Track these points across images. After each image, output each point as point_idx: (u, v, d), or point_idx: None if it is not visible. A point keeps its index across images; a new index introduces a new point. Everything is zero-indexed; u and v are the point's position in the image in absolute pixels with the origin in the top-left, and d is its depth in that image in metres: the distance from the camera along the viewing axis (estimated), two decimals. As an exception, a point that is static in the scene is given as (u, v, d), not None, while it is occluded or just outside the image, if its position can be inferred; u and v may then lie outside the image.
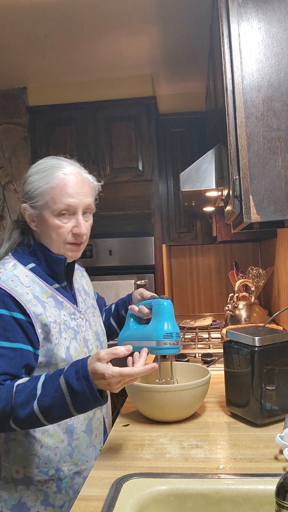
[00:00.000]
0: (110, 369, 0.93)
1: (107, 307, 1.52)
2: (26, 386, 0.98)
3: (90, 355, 0.99)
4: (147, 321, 1.33)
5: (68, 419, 1.10)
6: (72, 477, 1.13)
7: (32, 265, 1.15)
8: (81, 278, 1.36)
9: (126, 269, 2.91)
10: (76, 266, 1.38)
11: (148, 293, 1.35)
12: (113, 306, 1.50)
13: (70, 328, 1.16)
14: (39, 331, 1.08)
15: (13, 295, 1.06)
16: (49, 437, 1.10)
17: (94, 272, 2.93)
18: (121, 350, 0.98)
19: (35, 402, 0.95)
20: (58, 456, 1.11)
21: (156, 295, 1.31)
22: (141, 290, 1.39)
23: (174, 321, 1.20)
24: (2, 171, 3.06)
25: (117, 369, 0.94)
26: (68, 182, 1.13)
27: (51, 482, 1.10)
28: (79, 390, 0.94)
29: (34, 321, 1.07)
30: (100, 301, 1.48)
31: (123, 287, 2.80)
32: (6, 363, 1.02)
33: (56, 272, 1.17)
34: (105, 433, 1.24)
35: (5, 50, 2.59)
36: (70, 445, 1.13)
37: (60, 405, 0.95)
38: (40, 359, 1.09)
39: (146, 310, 1.28)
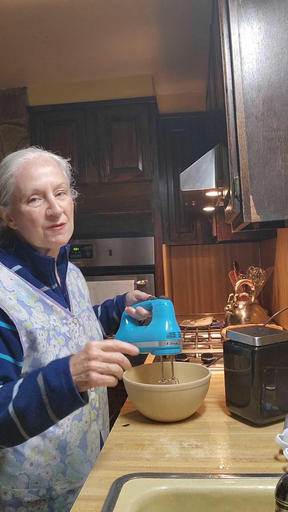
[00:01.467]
0: (90, 342, 0.88)
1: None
2: (2, 390, 0.90)
3: None
4: (142, 323, 1.33)
5: (61, 433, 1.05)
6: (66, 496, 1.05)
7: (18, 267, 1.08)
8: (76, 279, 1.31)
9: (126, 269, 2.91)
10: (72, 266, 1.34)
11: (145, 294, 1.34)
12: (99, 309, 1.44)
13: (60, 334, 1.09)
14: (23, 339, 1.00)
15: None
16: (40, 454, 1.03)
17: (94, 272, 2.94)
18: (120, 343, 0.90)
19: (10, 404, 0.86)
20: (50, 474, 1.03)
21: (153, 296, 1.31)
22: (137, 292, 1.36)
23: (175, 321, 1.20)
24: (2, 171, 3.06)
25: (96, 341, 0.89)
26: (27, 165, 1.06)
27: (43, 503, 1.02)
28: (57, 386, 0.85)
29: (18, 328, 1.00)
30: None
31: (123, 287, 2.80)
32: None
33: (44, 274, 1.10)
34: (102, 446, 1.16)
35: (5, 50, 2.59)
36: (63, 462, 1.06)
37: (37, 406, 0.86)
38: (26, 369, 1.02)
39: (144, 311, 1.26)
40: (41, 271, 1.10)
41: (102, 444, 1.18)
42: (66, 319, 1.12)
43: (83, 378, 0.86)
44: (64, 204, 1.10)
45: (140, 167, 2.96)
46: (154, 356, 1.91)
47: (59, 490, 1.05)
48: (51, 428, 1.02)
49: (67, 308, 1.15)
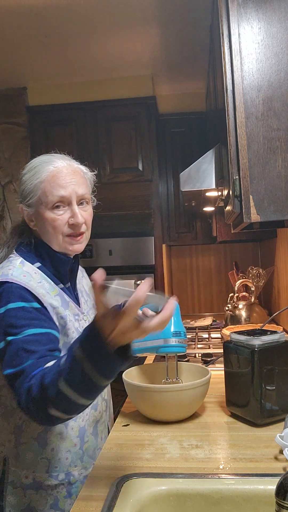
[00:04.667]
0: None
1: None
2: (53, 366, 0.88)
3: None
4: None
5: (82, 421, 1.10)
6: (83, 481, 1.09)
7: (38, 264, 1.14)
8: (81, 279, 1.35)
9: (126, 269, 2.91)
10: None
11: None
12: None
13: (73, 328, 1.14)
14: (57, 323, 1.07)
15: (28, 288, 1.04)
16: (62, 440, 1.08)
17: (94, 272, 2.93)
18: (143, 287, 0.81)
19: (60, 378, 0.82)
20: (69, 460, 1.09)
21: None
22: None
23: (180, 320, 1.21)
24: (2, 171, 3.06)
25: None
26: (57, 173, 1.12)
27: (61, 487, 1.08)
28: (94, 350, 0.80)
29: (52, 312, 1.06)
30: None
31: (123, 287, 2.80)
32: (42, 347, 0.96)
33: (60, 273, 1.16)
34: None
35: (5, 50, 2.59)
36: (82, 449, 1.11)
37: (83, 375, 0.80)
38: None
39: (150, 312, 1.27)
40: (58, 270, 1.16)
41: (109, 432, 1.23)
42: (78, 315, 1.17)
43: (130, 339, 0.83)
44: (86, 215, 1.16)
45: (140, 167, 2.96)
46: (154, 356, 1.91)
47: (77, 476, 1.10)
48: (71, 420, 1.07)
49: (78, 306, 1.21)
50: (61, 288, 1.15)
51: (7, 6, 2.14)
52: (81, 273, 1.38)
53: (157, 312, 1.25)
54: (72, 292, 1.21)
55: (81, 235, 1.15)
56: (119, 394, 2.36)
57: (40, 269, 1.13)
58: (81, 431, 1.11)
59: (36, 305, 1.03)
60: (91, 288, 1.38)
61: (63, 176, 1.12)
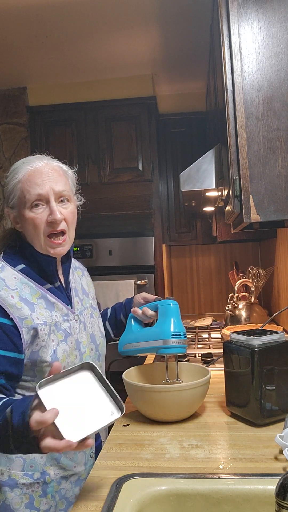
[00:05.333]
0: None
1: (101, 311, 1.48)
2: None
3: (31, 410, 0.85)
4: (148, 325, 1.34)
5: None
6: (59, 481, 1.09)
7: (21, 266, 1.13)
8: (81, 278, 1.34)
9: (126, 269, 2.91)
10: (77, 265, 1.38)
11: (152, 296, 1.35)
12: (109, 311, 1.48)
13: (60, 330, 1.13)
14: (24, 336, 1.05)
15: None
16: None
17: (94, 272, 2.92)
18: (50, 416, 0.81)
19: None
20: (44, 459, 1.08)
21: (160, 297, 1.32)
22: (144, 294, 1.38)
23: (180, 321, 1.21)
24: (2, 171, 3.06)
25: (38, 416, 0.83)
26: (34, 172, 1.12)
27: (37, 486, 1.07)
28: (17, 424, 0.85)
29: (19, 325, 1.05)
30: None
31: (123, 287, 2.81)
32: None
33: (47, 273, 1.15)
34: (98, 438, 1.22)
35: (5, 50, 2.59)
36: None
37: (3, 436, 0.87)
38: (25, 361, 1.07)
39: (150, 312, 1.27)
40: (44, 270, 1.15)
41: (98, 435, 1.21)
42: (67, 315, 1.16)
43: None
44: (66, 212, 1.14)
45: (140, 167, 2.96)
46: (154, 356, 1.91)
47: (53, 475, 1.09)
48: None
49: (69, 305, 1.19)
50: (48, 289, 1.14)
51: (7, 6, 2.14)
52: (81, 272, 1.37)
53: (156, 312, 1.25)
54: (63, 292, 1.19)
55: (63, 238, 1.14)
56: (119, 394, 2.35)
57: (23, 271, 1.12)
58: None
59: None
60: (90, 286, 1.38)
61: (40, 174, 1.12)
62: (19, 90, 3.08)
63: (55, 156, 1.22)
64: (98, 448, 1.18)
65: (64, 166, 1.20)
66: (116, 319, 1.44)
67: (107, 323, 1.44)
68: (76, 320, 1.18)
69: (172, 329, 1.18)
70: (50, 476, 1.08)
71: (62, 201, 1.14)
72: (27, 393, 1.09)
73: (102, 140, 2.98)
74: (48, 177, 1.12)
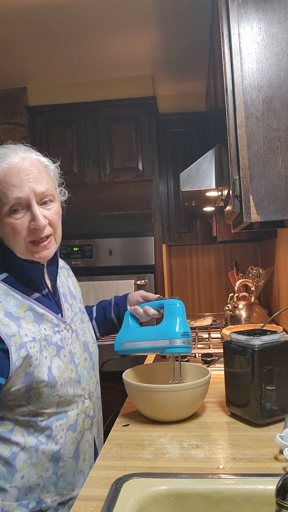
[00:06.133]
0: None
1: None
2: None
3: None
4: (141, 324, 1.32)
5: (55, 444, 1.01)
6: (56, 508, 1.01)
7: (4, 275, 1.01)
8: (67, 279, 1.24)
9: (126, 269, 2.91)
10: (62, 264, 1.26)
11: (152, 295, 1.32)
12: (94, 309, 1.40)
13: (52, 344, 1.03)
14: (13, 356, 0.93)
15: None
16: (32, 466, 0.99)
17: (94, 272, 2.94)
18: None
19: None
20: (40, 486, 0.99)
21: (161, 296, 1.31)
22: (143, 292, 1.35)
23: (186, 321, 1.21)
24: (2, 171, 3.06)
25: None
26: (10, 172, 0.96)
27: None
28: None
29: (8, 344, 0.93)
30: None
31: (123, 287, 2.81)
32: None
33: (34, 280, 1.03)
34: (96, 455, 1.15)
35: (5, 50, 2.59)
36: (56, 474, 1.02)
37: None
38: (19, 386, 0.96)
39: (152, 311, 1.24)
40: (30, 278, 1.03)
41: (96, 452, 1.15)
42: (58, 326, 1.06)
43: None
44: (50, 214, 1.01)
45: (140, 167, 2.96)
46: (154, 356, 1.91)
47: (50, 503, 1.01)
48: (43, 440, 1.01)
49: (59, 314, 1.09)
50: (36, 298, 1.03)
51: (7, 6, 2.14)
52: (66, 272, 1.27)
53: (159, 311, 1.25)
54: (52, 299, 1.09)
55: (48, 239, 1.01)
56: (119, 394, 2.37)
57: (6, 281, 1.00)
58: (54, 455, 1.01)
59: None
60: (77, 287, 1.29)
61: (17, 173, 0.97)
62: (19, 90, 3.08)
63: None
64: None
65: (44, 160, 1.06)
66: (105, 318, 1.38)
67: (94, 322, 1.37)
68: (67, 330, 1.09)
69: (180, 329, 1.18)
70: (47, 504, 1.00)
71: (45, 202, 1.01)
72: (27, 418, 1.00)
73: (102, 140, 2.98)
74: (27, 176, 0.97)
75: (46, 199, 1.01)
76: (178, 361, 1.27)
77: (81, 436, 1.10)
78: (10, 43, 2.51)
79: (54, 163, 1.10)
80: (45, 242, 1.01)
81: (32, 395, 0.99)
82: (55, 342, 1.04)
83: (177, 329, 1.18)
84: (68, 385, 1.06)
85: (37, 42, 2.51)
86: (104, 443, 1.12)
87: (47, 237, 1.01)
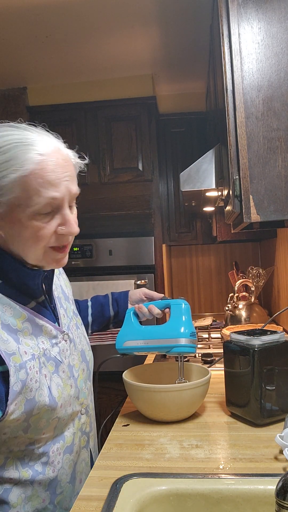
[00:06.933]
0: None
1: (79, 307, 1.30)
2: None
3: None
4: (142, 322, 1.32)
5: (52, 472, 0.91)
6: None
7: None
8: (58, 277, 1.11)
9: (126, 269, 2.91)
10: None
11: (158, 294, 1.31)
12: (89, 304, 1.33)
13: (50, 359, 0.91)
14: (12, 379, 0.80)
15: None
16: (27, 500, 0.88)
17: (94, 272, 2.94)
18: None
19: None
20: None
21: (166, 296, 1.31)
22: (146, 290, 1.33)
23: (191, 321, 1.22)
24: (2, 171, 3.06)
25: None
26: (45, 165, 0.81)
27: None
28: None
29: (8, 364, 0.80)
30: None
31: (123, 287, 2.80)
32: None
33: (31, 287, 0.90)
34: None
35: (5, 50, 2.59)
36: (52, 503, 0.92)
37: None
38: (17, 415, 0.83)
39: (157, 310, 1.24)
40: (27, 285, 0.90)
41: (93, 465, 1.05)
42: (56, 338, 0.95)
43: None
44: (75, 219, 0.89)
45: (140, 167, 2.96)
46: (154, 356, 1.91)
47: None
48: (40, 469, 0.90)
49: (56, 323, 0.98)
50: (32, 308, 0.91)
51: (7, 6, 2.14)
52: (58, 270, 1.12)
53: (162, 311, 1.24)
54: (48, 307, 0.97)
55: (68, 246, 0.90)
56: (119, 394, 2.36)
57: (0, 289, 0.86)
58: (51, 484, 0.91)
59: None
60: (68, 286, 1.18)
61: (54, 168, 0.82)
62: (19, 90, 3.08)
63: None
64: None
65: (72, 153, 0.92)
66: (103, 315, 1.33)
67: (89, 318, 1.30)
68: (65, 341, 0.97)
69: (188, 329, 1.19)
70: None
71: (71, 205, 0.88)
72: (23, 448, 0.88)
73: (102, 140, 2.98)
74: (65, 173, 0.83)
75: (73, 201, 0.89)
76: (181, 361, 1.27)
77: (77, 456, 1.00)
78: (10, 43, 2.51)
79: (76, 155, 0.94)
80: (66, 248, 0.89)
81: (31, 423, 0.87)
82: (54, 357, 0.93)
83: (185, 329, 1.18)
84: (67, 404, 0.96)
85: (37, 42, 2.51)
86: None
87: (68, 244, 0.90)
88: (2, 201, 0.81)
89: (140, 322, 1.32)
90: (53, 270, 0.99)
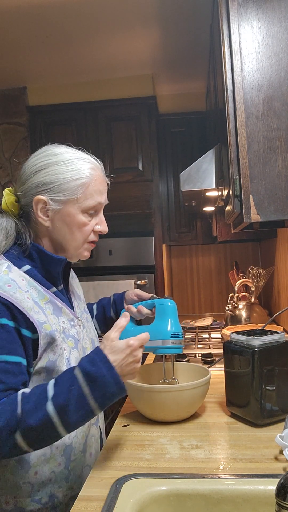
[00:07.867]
0: (131, 338, 0.93)
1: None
2: (34, 392, 0.88)
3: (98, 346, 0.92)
4: (140, 323, 1.32)
5: (68, 438, 1.02)
6: (68, 503, 1.02)
7: (27, 267, 1.03)
8: (72, 280, 1.27)
9: (126, 269, 2.91)
10: None
11: (146, 294, 1.33)
12: (95, 307, 1.42)
13: (70, 336, 1.06)
14: (42, 342, 0.96)
15: (13, 303, 0.93)
16: (45, 462, 1.00)
17: (94, 272, 2.94)
18: (122, 321, 0.99)
19: (49, 402, 0.85)
20: (52, 481, 1.00)
21: (155, 295, 1.31)
22: (137, 291, 1.35)
23: (178, 321, 1.20)
24: (2, 171, 3.06)
25: (134, 337, 0.95)
26: (98, 178, 1.10)
27: (45, 511, 0.99)
28: (97, 374, 0.86)
29: (39, 331, 0.96)
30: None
31: (123, 287, 2.80)
32: (11, 379, 0.90)
33: (53, 275, 1.07)
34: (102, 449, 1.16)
35: (5, 50, 2.59)
36: (67, 468, 1.03)
37: (78, 399, 0.85)
38: (39, 369, 0.98)
39: (146, 310, 1.25)
40: (50, 272, 1.07)
41: (102, 446, 1.16)
42: (73, 320, 1.10)
43: (129, 377, 0.94)
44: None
45: (140, 167, 2.96)
46: (154, 356, 1.91)
47: (62, 497, 1.02)
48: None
49: (72, 310, 1.13)
50: (53, 292, 1.07)
51: (7, 6, 2.14)
52: (71, 273, 1.29)
53: (151, 310, 1.24)
54: (66, 295, 1.14)
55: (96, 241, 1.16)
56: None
57: (29, 273, 1.03)
58: (66, 450, 1.03)
59: (15, 325, 0.93)
60: (80, 288, 1.32)
61: (102, 181, 1.11)
62: (19, 90, 3.08)
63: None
64: None
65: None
66: (105, 316, 1.40)
67: (94, 320, 1.40)
68: (80, 326, 1.12)
69: (170, 329, 1.17)
70: (58, 499, 1.01)
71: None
72: None
73: (102, 140, 2.98)
74: (105, 187, 1.13)
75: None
76: (169, 360, 1.27)
77: (88, 430, 1.11)
78: (10, 43, 2.51)
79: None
80: (95, 243, 1.15)
81: None
82: (73, 335, 1.08)
83: (168, 329, 1.17)
84: None
85: (37, 42, 2.51)
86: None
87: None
88: (63, 199, 1.04)
89: (140, 322, 1.32)
90: (70, 266, 1.19)
